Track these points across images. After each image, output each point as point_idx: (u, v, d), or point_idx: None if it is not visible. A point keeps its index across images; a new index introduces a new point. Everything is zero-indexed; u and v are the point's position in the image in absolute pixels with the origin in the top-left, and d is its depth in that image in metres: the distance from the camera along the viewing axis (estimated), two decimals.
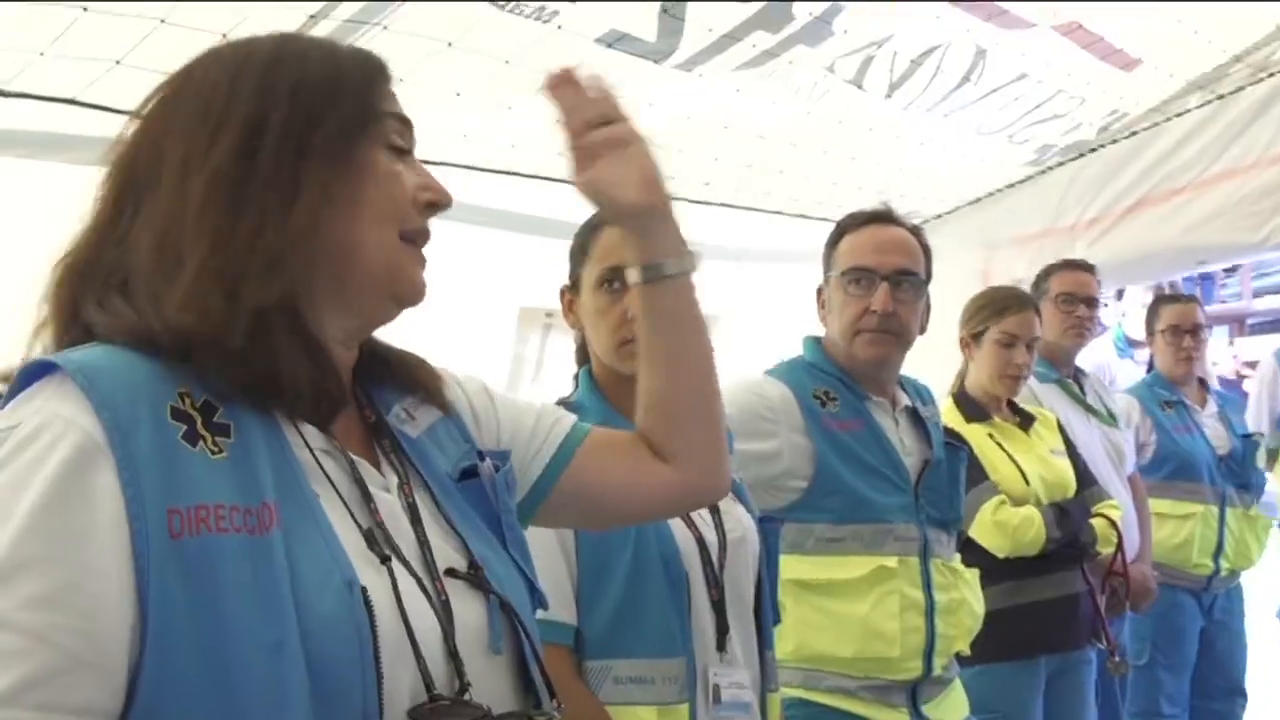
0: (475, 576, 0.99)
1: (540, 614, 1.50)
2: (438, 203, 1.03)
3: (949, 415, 2.89)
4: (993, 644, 2.45)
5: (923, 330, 2.22)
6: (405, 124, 1.03)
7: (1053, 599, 2.74)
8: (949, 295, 4.43)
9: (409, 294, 1.01)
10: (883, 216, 2.20)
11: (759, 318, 4.03)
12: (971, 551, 2.69)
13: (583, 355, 1.81)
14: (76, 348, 0.88)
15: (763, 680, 1.68)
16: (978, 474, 2.74)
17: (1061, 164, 4.23)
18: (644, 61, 2.73)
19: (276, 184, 0.92)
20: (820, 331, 2.28)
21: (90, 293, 0.91)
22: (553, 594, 1.53)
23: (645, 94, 2.88)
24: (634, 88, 2.86)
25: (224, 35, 2.08)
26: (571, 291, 1.77)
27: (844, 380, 2.17)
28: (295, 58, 0.97)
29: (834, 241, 2.22)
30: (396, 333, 3.29)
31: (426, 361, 1.15)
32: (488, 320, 3.31)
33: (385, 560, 0.91)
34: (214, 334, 0.87)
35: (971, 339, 2.99)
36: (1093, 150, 4.14)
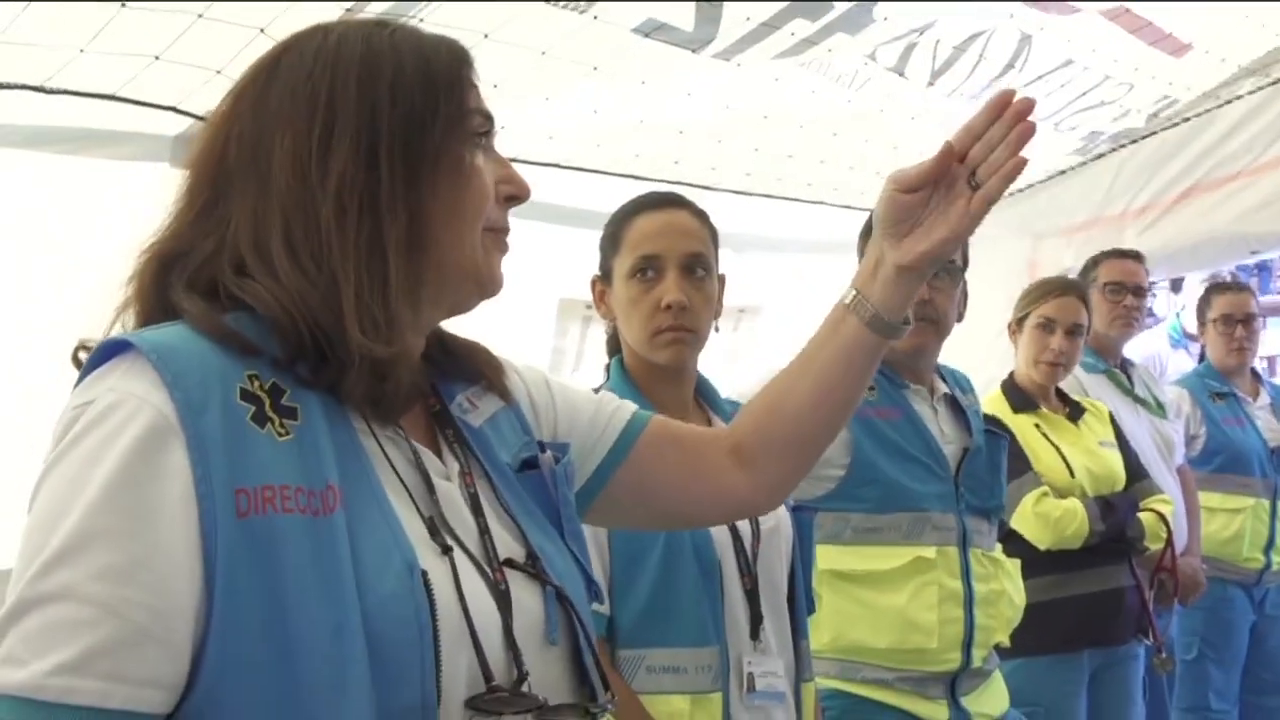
0: (533, 567, 1.00)
1: None
2: (517, 196, 1.04)
3: (996, 405, 2.86)
4: (1034, 637, 2.43)
5: (960, 318, 2.20)
6: (487, 118, 1.02)
7: (1097, 593, 2.71)
8: (994, 286, 4.40)
9: (492, 287, 1.02)
10: None
11: (803, 309, 4.00)
12: (1014, 543, 2.67)
13: (614, 345, 1.81)
14: (151, 327, 0.90)
15: (797, 669, 1.67)
16: (1021, 465, 2.72)
17: (1110, 151, 4.16)
18: (682, 51, 2.72)
19: (402, 198, 0.93)
20: None
21: (179, 281, 0.92)
22: None
23: (683, 84, 2.88)
24: (672, 77, 2.87)
25: (261, 30, 2.10)
26: (603, 282, 1.77)
27: (881, 369, 2.14)
28: (389, 53, 0.96)
29: (867, 231, 2.18)
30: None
31: (489, 350, 1.16)
32: (527, 312, 3.32)
33: (447, 550, 0.91)
34: (380, 362, 0.89)
35: (1016, 325, 2.96)
36: (1142, 137, 4.07)
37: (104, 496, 0.79)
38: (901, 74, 3.18)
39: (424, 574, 0.88)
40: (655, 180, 3.38)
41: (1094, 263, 3.38)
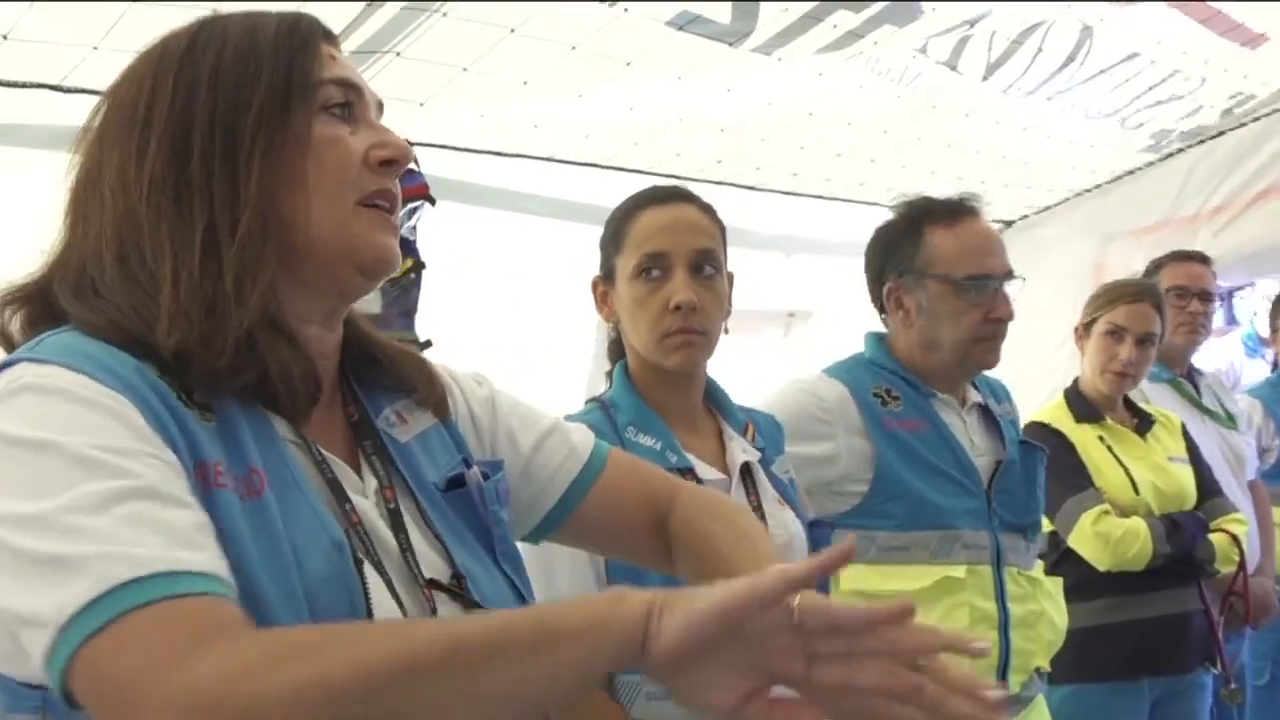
0: (458, 587, 0.94)
1: None
2: (394, 159, 0.96)
3: (1057, 414, 2.72)
4: (1090, 662, 2.29)
5: None
6: (346, 86, 0.96)
7: (1160, 617, 2.53)
8: (1058, 290, 4.25)
9: (373, 263, 0.95)
10: (972, 210, 2.06)
11: (853, 314, 3.88)
12: (1071, 562, 2.53)
13: (617, 350, 1.71)
14: (35, 341, 0.86)
15: None
16: (1081, 480, 2.57)
17: (1181, 150, 3.98)
18: (718, 45, 2.61)
19: (217, 182, 0.89)
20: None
21: (66, 286, 0.89)
22: None
23: (722, 79, 2.78)
24: (709, 73, 2.77)
25: None
26: (605, 282, 1.67)
27: (906, 378, 2.03)
28: (214, 42, 0.93)
29: (913, 235, 2.05)
30: (477, 326, 3.20)
31: (424, 361, 1.10)
32: (567, 314, 3.24)
33: (359, 564, 0.86)
34: (204, 353, 0.84)
35: (1083, 330, 2.80)
36: (1216, 135, 3.88)
37: (78, 409, 0.77)
38: (954, 68, 3.05)
39: (353, 550, 0.86)
40: (698, 180, 3.28)
41: (1156, 266, 3.20)
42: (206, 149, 0.89)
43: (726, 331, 1.66)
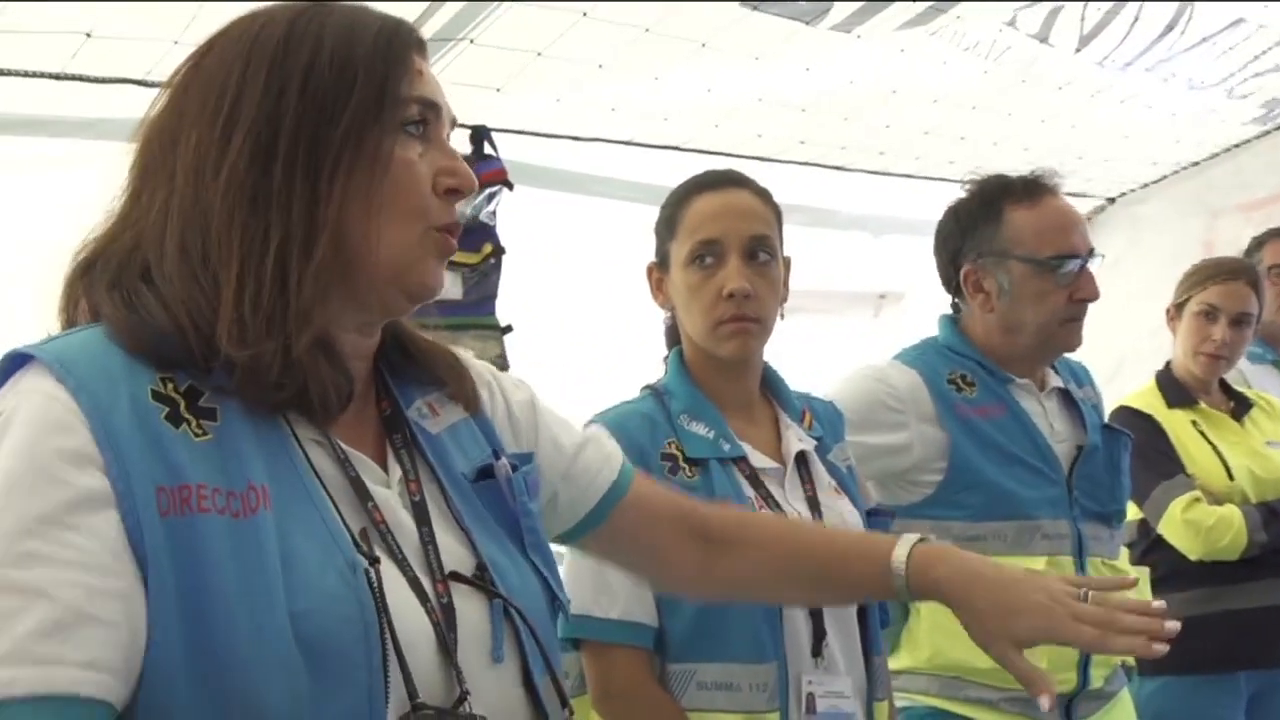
0: (481, 579, 0.94)
1: (618, 614, 1.43)
2: (458, 189, 0.95)
3: (1149, 398, 2.63)
4: (1181, 654, 2.16)
5: None
6: (432, 107, 0.95)
7: (1256, 609, 2.43)
8: (1163, 268, 4.09)
9: (420, 292, 0.95)
10: (1051, 187, 2.00)
11: (945, 295, 3.81)
12: (1162, 551, 2.45)
13: (673, 337, 1.70)
14: (59, 335, 0.87)
15: (869, 688, 1.54)
16: (1172, 466, 2.48)
17: None
18: (795, 24, 2.57)
19: (297, 195, 0.87)
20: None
21: (103, 278, 0.88)
22: (632, 593, 1.46)
23: (800, 58, 2.73)
24: (788, 52, 2.73)
25: None
26: (659, 269, 1.66)
27: (983, 363, 1.97)
28: (309, 38, 0.90)
29: (993, 215, 1.98)
30: (557, 311, 3.21)
31: (456, 355, 1.10)
32: (647, 297, 3.24)
33: (374, 561, 0.85)
34: (254, 368, 0.84)
35: (1176, 310, 2.69)
36: None
37: (14, 482, 0.76)
38: (1045, 40, 2.95)
39: (368, 571, 0.84)
40: (781, 161, 3.26)
41: (1258, 243, 3.07)
42: (290, 157, 0.87)
43: (782, 317, 1.64)
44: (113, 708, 0.74)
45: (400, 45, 0.93)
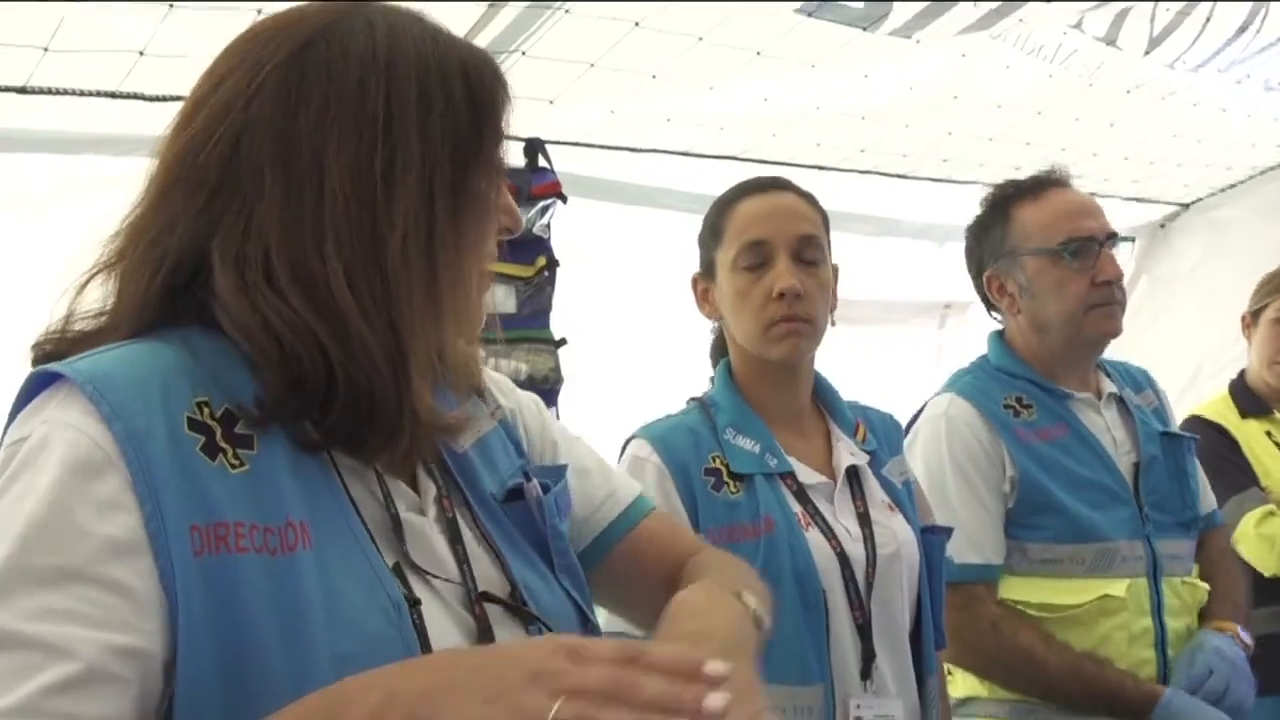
0: (515, 603, 0.91)
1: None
2: (511, 229, 0.95)
3: (1221, 408, 2.54)
4: (1257, 673, 2.11)
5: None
6: (504, 139, 0.93)
7: None
8: (1243, 275, 3.96)
9: (475, 330, 0.96)
10: (1058, 180, 1.97)
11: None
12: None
13: (719, 349, 1.67)
14: (88, 354, 0.82)
15: (923, 711, 1.49)
16: (1245, 478, 2.40)
17: None
18: (853, 30, 2.52)
19: (454, 234, 0.87)
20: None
21: (228, 273, 0.83)
22: None
23: (858, 65, 2.68)
24: (845, 59, 2.68)
25: None
26: (705, 279, 1.63)
27: (1037, 381, 1.91)
28: (436, 64, 0.87)
29: (1001, 217, 1.98)
30: (611, 323, 3.18)
31: (476, 366, 1.06)
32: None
33: (415, 603, 0.83)
34: (369, 390, 0.82)
35: (1251, 317, 2.60)
36: None
37: (37, 530, 0.73)
38: (1113, 43, 2.87)
39: (412, 605, 0.81)
40: (841, 170, 3.21)
41: None
42: (448, 198, 0.86)
43: (833, 324, 1.60)
44: None
45: (502, 81, 0.92)
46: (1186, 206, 4.19)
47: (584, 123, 2.69)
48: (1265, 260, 3.97)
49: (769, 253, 1.53)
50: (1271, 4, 2.83)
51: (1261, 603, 2.25)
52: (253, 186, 0.83)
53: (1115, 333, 1.91)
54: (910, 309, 3.94)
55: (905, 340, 3.98)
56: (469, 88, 0.87)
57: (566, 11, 2.29)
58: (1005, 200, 1.97)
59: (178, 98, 2.22)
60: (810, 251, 1.53)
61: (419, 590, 0.85)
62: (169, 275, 0.84)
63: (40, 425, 0.77)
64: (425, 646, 0.81)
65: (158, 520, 0.75)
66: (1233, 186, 4.06)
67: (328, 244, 0.82)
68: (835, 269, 1.61)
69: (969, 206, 3.65)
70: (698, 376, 3.18)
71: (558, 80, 2.49)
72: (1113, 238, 1.90)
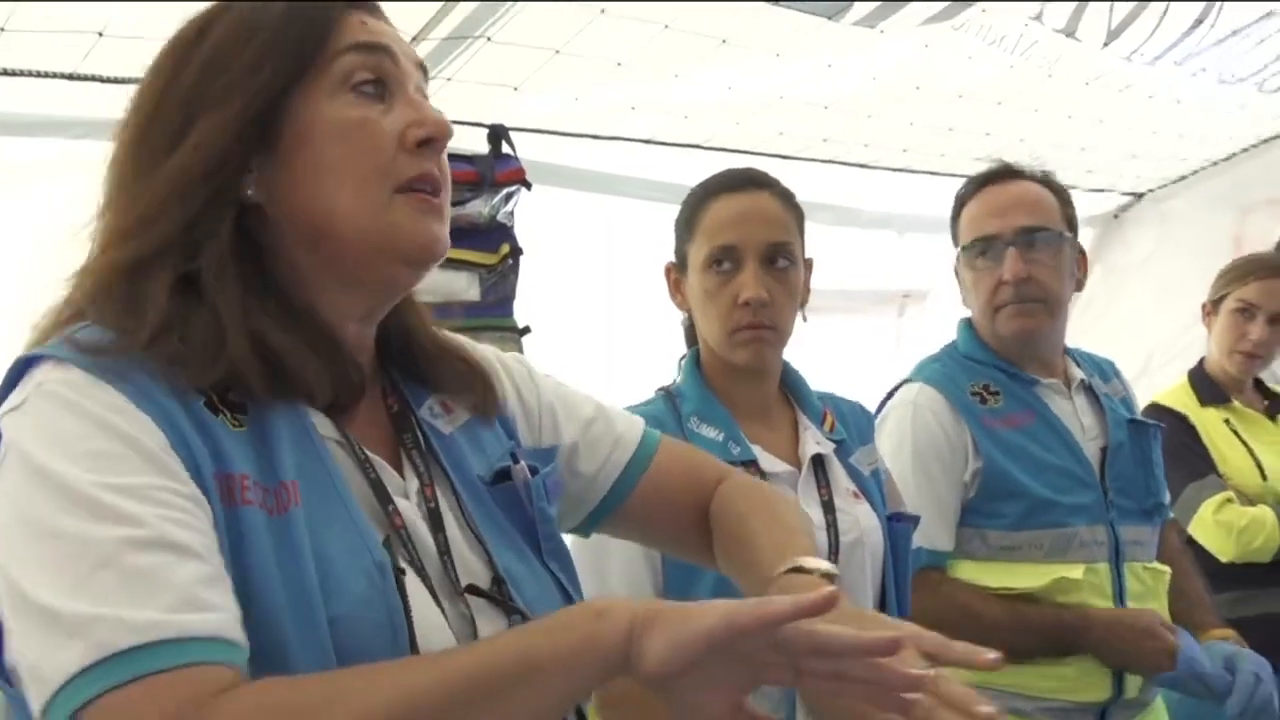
0: (498, 592, 0.90)
1: None
2: (433, 138, 0.90)
3: (1181, 396, 2.58)
4: None
5: (1079, 287, 1.96)
6: (378, 51, 0.89)
7: None
8: (1192, 265, 4.04)
9: (417, 252, 0.90)
10: (1001, 174, 1.98)
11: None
12: (1193, 552, 2.39)
13: (691, 337, 1.67)
14: (72, 330, 0.82)
15: None
16: (1203, 465, 2.44)
17: None
18: (818, 20, 2.53)
19: (263, 172, 0.86)
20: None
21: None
22: (634, 592, 1.42)
23: (822, 55, 2.69)
24: (810, 48, 2.69)
25: None
26: (677, 270, 1.63)
27: (1004, 368, 1.93)
28: (254, 18, 0.87)
29: (956, 214, 2.02)
30: (576, 312, 3.17)
31: (467, 348, 1.05)
32: (667, 297, 3.21)
33: (401, 573, 0.82)
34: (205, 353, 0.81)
35: (1212, 306, 2.64)
36: None
37: (95, 444, 0.74)
38: (1072, 35, 2.90)
39: (397, 572, 0.81)
40: (803, 159, 3.22)
41: None
42: (245, 140, 0.85)
43: (804, 319, 1.60)
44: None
45: (325, 9, 0.89)
46: (1139, 197, 4.25)
47: (548, 110, 2.68)
48: (1214, 250, 4.05)
49: (738, 257, 1.53)
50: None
51: (1218, 589, 2.29)
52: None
53: (1025, 332, 1.91)
54: (870, 298, 3.96)
55: (865, 329, 4.00)
56: (281, 19, 0.87)
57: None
58: (963, 194, 2.01)
59: (136, 80, 2.20)
60: (781, 258, 1.54)
61: (404, 562, 0.85)
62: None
63: (39, 379, 0.78)
64: (406, 612, 0.81)
65: (193, 464, 0.76)
66: (1184, 178, 4.13)
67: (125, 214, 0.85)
68: (809, 264, 1.62)
69: (929, 196, 3.71)
70: (661, 364, 3.18)
71: (522, 67, 2.47)
72: (1032, 232, 1.89)
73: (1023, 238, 1.88)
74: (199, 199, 0.84)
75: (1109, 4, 2.81)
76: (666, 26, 2.44)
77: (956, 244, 2.02)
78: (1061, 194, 1.97)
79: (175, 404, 0.78)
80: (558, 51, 2.45)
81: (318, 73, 0.87)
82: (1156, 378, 3.55)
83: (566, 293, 2.88)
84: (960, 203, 2.01)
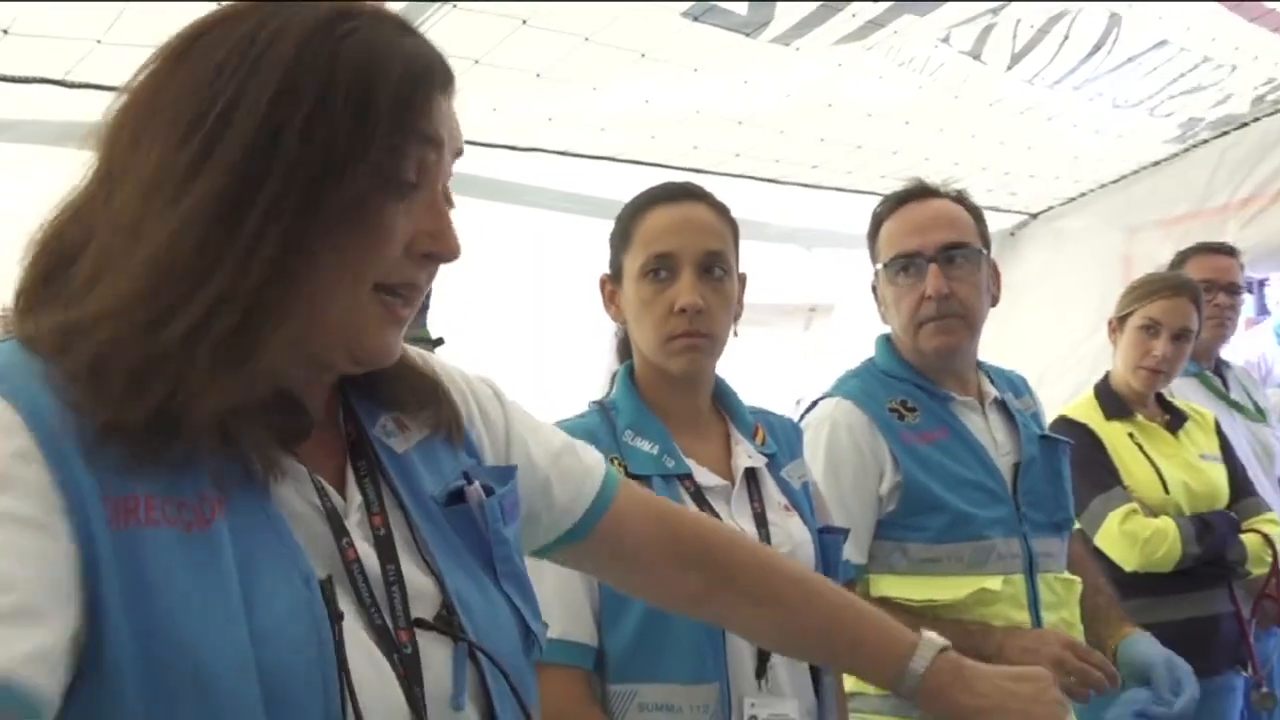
0: (447, 623, 0.87)
1: (556, 634, 1.38)
2: (437, 256, 0.85)
3: (1087, 410, 2.65)
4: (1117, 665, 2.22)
5: (994, 302, 2.01)
6: (433, 144, 0.84)
7: (1189, 619, 2.47)
8: (1085, 281, 4.19)
9: (372, 358, 0.86)
10: (918, 192, 2.00)
11: (875, 307, 3.84)
12: (1098, 562, 2.47)
13: (625, 350, 1.67)
14: None
15: (820, 711, 1.51)
16: (1109, 478, 2.51)
17: (1210, 139, 3.90)
18: (736, 35, 2.55)
19: (266, 250, 0.76)
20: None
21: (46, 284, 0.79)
22: (570, 611, 1.41)
23: (739, 71, 2.72)
24: (727, 64, 2.71)
25: None
26: (612, 281, 1.63)
27: (921, 384, 1.97)
28: (324, 61, 0.78)
29: (874, 231, 2.03)
30: (491, 322, 3.15)
31: (429, 362, 1.02)
32: (583, 310, 3.20)
33: (338, 618, 0.78)
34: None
35: (1118, 323, 2.72)
36: (1245, 124, 3.80)
37: None
38: (978, 58, 2.98)
39: (323, 582, 0.77)
40: (715, 174, 3.24)
41: (1182, 259, 3.13)
42: (274, 208, 0.76)
43: (736, 334, 1.61)
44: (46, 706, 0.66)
45: (427, 83, 0.82)
46: (1034, 216, 4.39)
47: (465, 120, 2.63)
48: (1104, 268, 4.21)
49: (675, 265, 1.53)
50: (1124, 27, 2.98)
51: (1123, 597, 2.36)
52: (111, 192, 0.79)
53: (947, 348, 1.94)
54: (777, 311, 4.02)
55: (772, 342, 4.06)
56: (363, 88, 0.78)
57: (454, 6, 2.25)
58: (880, 212, 2.03)
59: (42, 80, 2.12)
60: (716, 267, 1.54)
61: (345, 599, 0.80)
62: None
63: None
64: (342, 664, 0.76)
65: (74, 487, 0.70)
66: (1077, 198, 4.27)
67: (111, 236, 0.77)
68: (743, 278, 1.63)
69: (836, 212, 3.77)
70: (576, 374, 3.18)
71: None
72: (952, 249, 1.92)
73: (944, 255, 1.91)
74: (213, 255, 0.77)
75: (1014, 26, 2.90)
76: (587, 39, 2.44)
77: (875, 261, 2.04)
78: (976, 212, 2.01)
79: (67, 431, 0.71)
80: (477, 62, 2.43)
81: (396, 166, 0.81)
82: (1051, 390, 3.65)
83: (482, 303, 2.86)
84: (878, 220, 2.03)
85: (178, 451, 0.75)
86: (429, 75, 0.83)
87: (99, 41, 2.01)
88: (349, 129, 0.77)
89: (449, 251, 0.86)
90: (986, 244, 2.00)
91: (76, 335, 0.74)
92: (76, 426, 0.72)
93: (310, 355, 0.84)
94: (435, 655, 0.85)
